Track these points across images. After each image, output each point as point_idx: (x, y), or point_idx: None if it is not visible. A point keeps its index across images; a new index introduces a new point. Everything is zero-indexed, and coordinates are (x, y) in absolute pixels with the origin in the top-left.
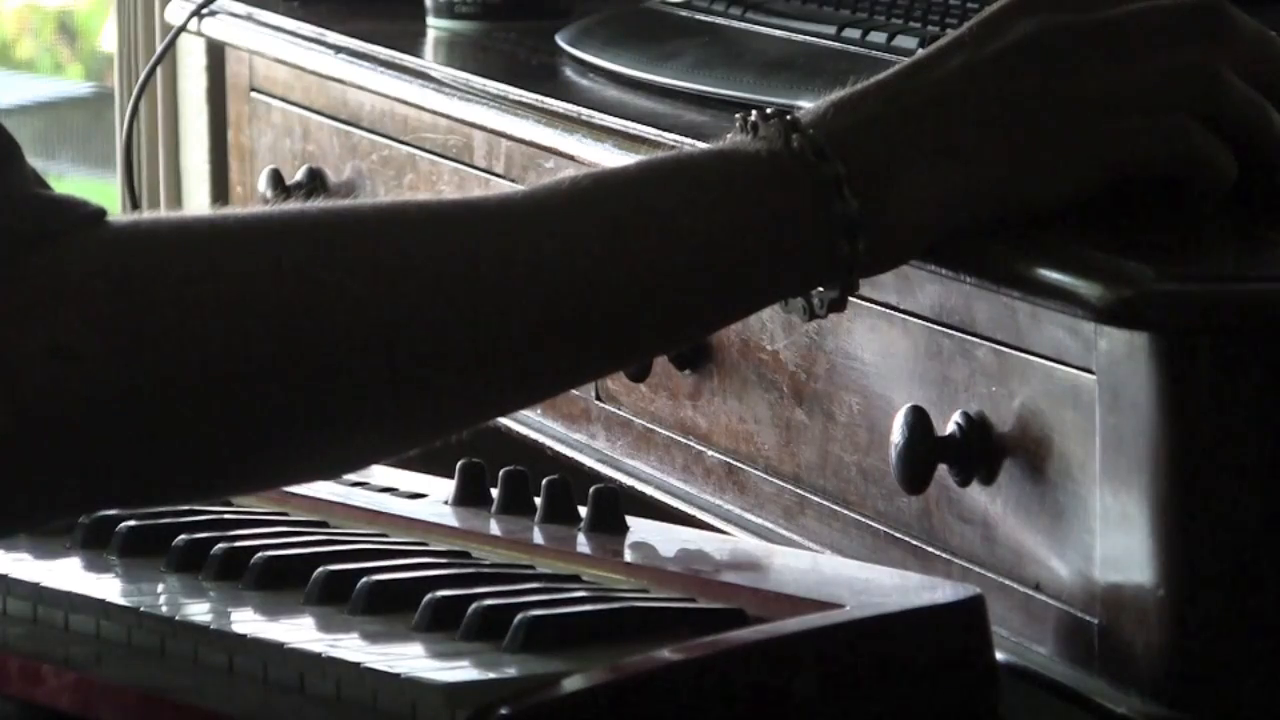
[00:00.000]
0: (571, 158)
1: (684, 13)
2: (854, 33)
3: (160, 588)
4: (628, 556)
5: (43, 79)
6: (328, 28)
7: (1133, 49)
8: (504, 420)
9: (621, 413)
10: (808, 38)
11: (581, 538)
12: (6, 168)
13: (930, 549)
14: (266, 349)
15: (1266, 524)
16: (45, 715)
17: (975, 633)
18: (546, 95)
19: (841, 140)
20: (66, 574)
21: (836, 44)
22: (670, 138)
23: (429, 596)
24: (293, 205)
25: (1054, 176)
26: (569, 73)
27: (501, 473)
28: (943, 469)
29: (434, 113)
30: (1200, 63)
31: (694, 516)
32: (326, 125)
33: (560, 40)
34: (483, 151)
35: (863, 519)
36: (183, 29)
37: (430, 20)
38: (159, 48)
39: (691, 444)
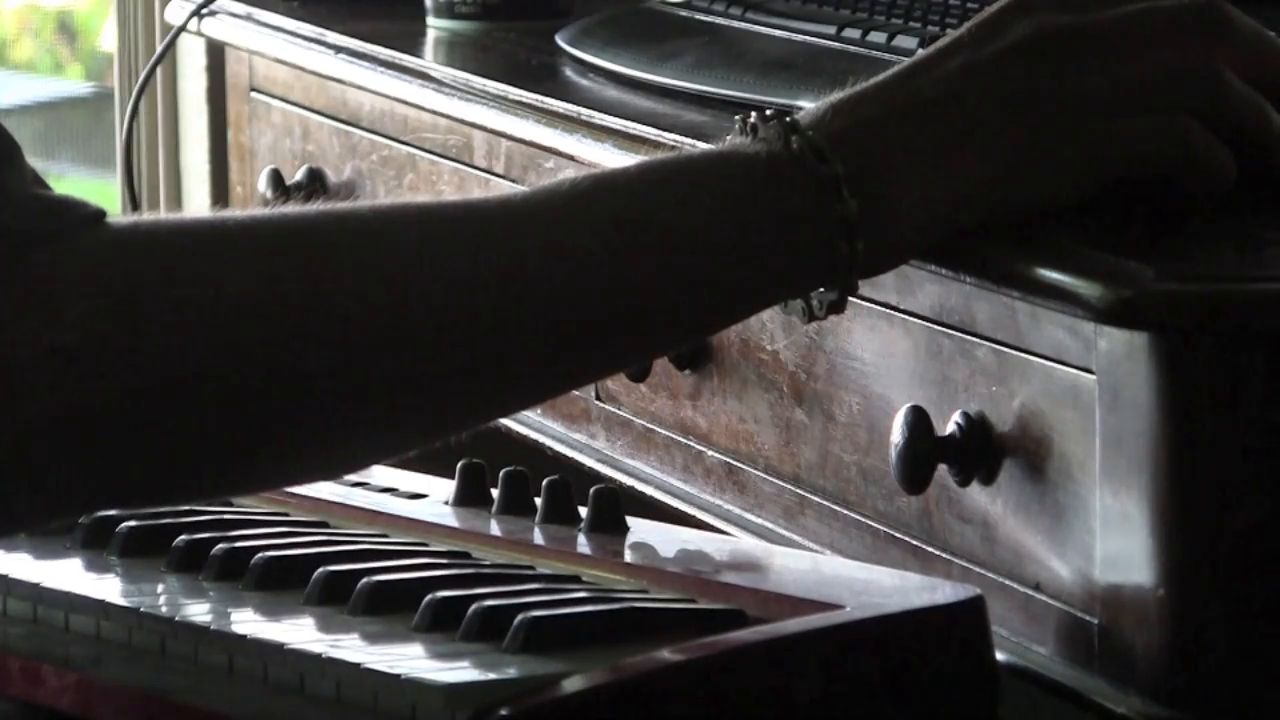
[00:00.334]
0: (571, 158)
1: (684, 13)
2: (854, 33)
3: (160, 588)
4: (628, 557)
5: (43, 79)
6: (328, 28)
7: (1132, 49)
8: (504, 420)
9: (621, 413)
10: (808, 38)
11: (582, 538)
12: (6, 168)
13: (930, 549)
14: (266, 351)
15: (1266, 524)
16: (46, 716)
17: (975, 633)
18: (546, 95)
19: (840, 142)
20: (67, 574)
21: (836, 44)
22: (670, 138)
23: (429, 597)
24: (292, 208)
25: (1053, 177)
26: (569, 73)
27: (502, 473)
28: (943, 469)
29: (434, 113)
30: (1199, 63)
31: (694, 516)
32: (326, 125)
33: (560, 40)
34: (483, 151)
35: (863, 519)
36: (183, 29)
37: (430, 20)
38: (159, 48)
39: (691, 444)
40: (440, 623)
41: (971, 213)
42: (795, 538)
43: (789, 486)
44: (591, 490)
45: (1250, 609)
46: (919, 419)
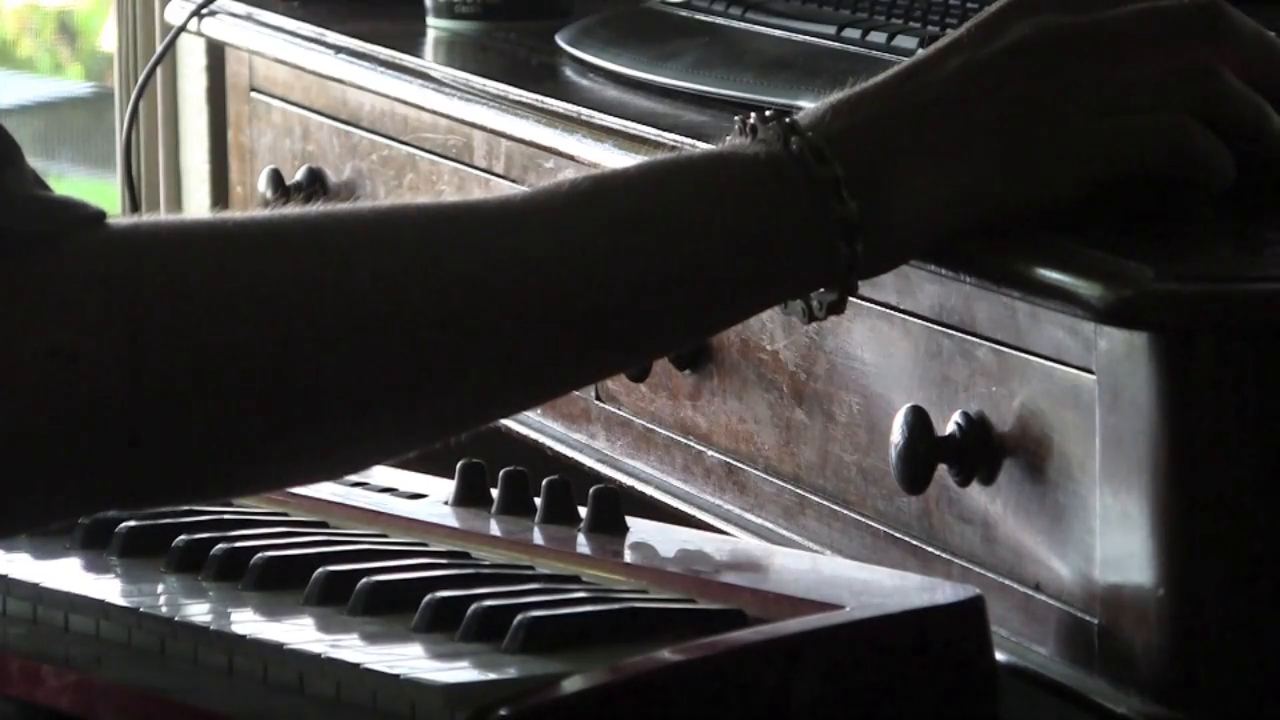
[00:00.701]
0: (571, 158)
1: (684, 13)
2: (854, 33)
3: (160, 588)
4: (628, 557)
5: (43, 79)
6: (328, 28)
7: (1131, 49)
8: (504, 420)
9: (621, 413)
10: (808, 38)
11: (581, 538)
12: (7, 169)
13: (930, 549)
14: (266, 352)
15: (1266, 524)
16: (45, 716)
17: (975, 633)
18: (546, 95)
19: (840, 142)
20: (66, 574)
21: (836, 44)
22: (670, 138)
23: (429, 597)
24: (292, 209)
25: (1052, 177)
26: (569, 73)
27: (501, 473)
28: (943, 469)
29: (434, 113)
30: (1199, 63)
31: (694, 516)
32: (326, 125)
33: (560, 40)
34: (483, 151)
35: (863, 519)
36: (183, 29)
37: (430, 20)
38: (159, 48)
39: (691, 444)
40: (440, 623)
41: (972, 213)
42: (795, 538)
43: (789, 486)
44: (591, 490)
45: (1250, 609)
46: (919, 419)
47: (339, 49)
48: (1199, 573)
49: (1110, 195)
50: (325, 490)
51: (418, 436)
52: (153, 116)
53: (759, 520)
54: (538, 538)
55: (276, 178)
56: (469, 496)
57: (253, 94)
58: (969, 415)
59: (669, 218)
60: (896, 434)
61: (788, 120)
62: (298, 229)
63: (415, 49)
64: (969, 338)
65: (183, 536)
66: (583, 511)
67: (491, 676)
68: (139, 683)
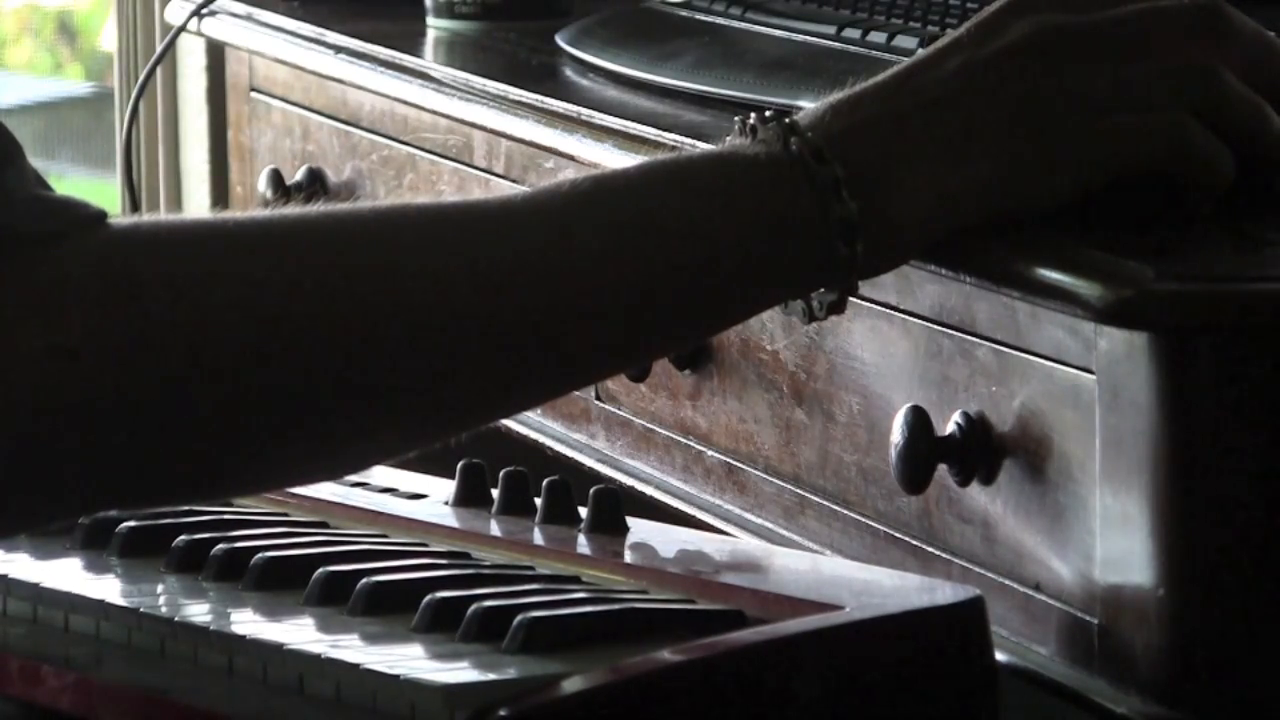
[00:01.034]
0: (571, 158)
1: (684, 13)
2: (854, 33)
3: (160, 588)
4: (628, 557)
5: (43, 79)
6: (328, 28)
7: (1130, 49)
8: (504, 420)
9: (621, 413)
10: (808, 38)
11: (582, 539)
12: (7, 168)
13: (930, 549)
14: (266, 351)
15: (1266, 524)
16: (45, 716)
17: (975, 634)
18: (546, 95)
19: (839, 143)
20: (66, 574)
21: (836, 44)
22: (670, 138)
23: (429, 597)
24: (293, 208)
25: (1051, 177)
26: (569, 73)
27: (502, 474)
28: (943, 469)
29: (434, 113)
30: (1198, 63)
31: (694, 516)
32: (326, 125)
33: (560, 40)
34: (483, 151)
35: (863, 519)
36: (183, 29)
37: (430, 20)
38: (159, 48)
39: (691, 444)
40: (440, 623)
41: (971, 213)
42: (795, 538)
43: (789, 486)
44: (591, 490)
45: (1250, 609)
46: (919, 419)
47: (339, 49)
48: (1199, 573)
49: (1110, 195)
50: (325, 490)
51: (418, 436)
52: (153, 116)
53: (759, 520)
54: (538, 538)
55: (276, 178)
56: (469, 497)
57: (253, 94)
58: (969, 415)
59: (669, 219)
60: (896, 434)
61: (787, 120)
62: (298, 229)
63: (415, 49)
64: (969, 338)
65: (183, 536)
66: (583, 512)
67: (491, 677)
68: (139, 683)
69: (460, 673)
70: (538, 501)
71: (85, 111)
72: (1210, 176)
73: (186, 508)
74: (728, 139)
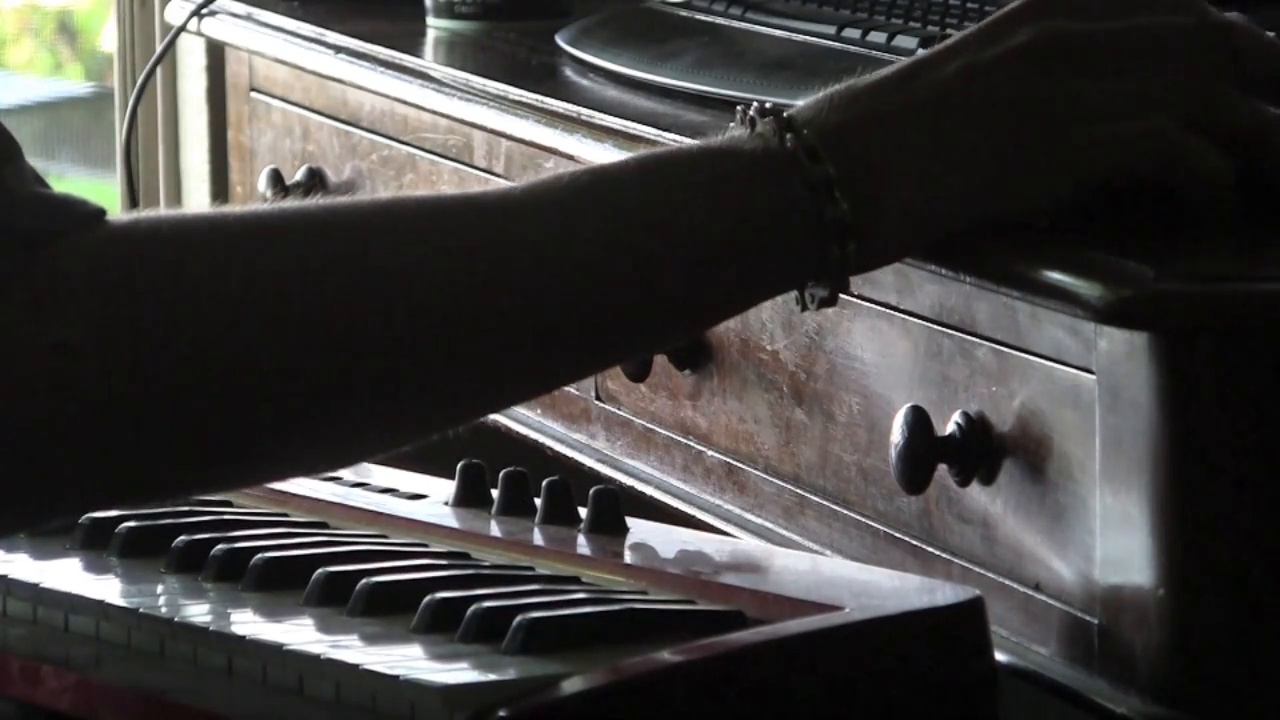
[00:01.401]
0: (571, 158)
1: (684, 13)
2: (854, 33)
3: (160, 589)
4: (627, 558)
5: (43, 79)
6: (328, 28)
7: (1130, 59)
8: (504, 420)
9: (621, 413)
10: (808, 38)
11: (581, 539)
12: (7, 167)
13: (930, 549)
14: (266, 346)
15: (1266, 524)
16: (45, 716)
17: (975, 635)
18: (546, 95)
19: (834, 140)
20: (66, 575)
21: (836, 44)
22: (670, 138)
23: (428, 598)
24: (292, 203)
25: (1039, 184)
26: (569, 73)
27: (502, 474)
28: (943, 469)
29: (434, 113)
30: (1196, 73)
31: (694, 517)
32: (326, 125)
33: (560, 40)
34: (483, 151)
35: (863, 519)
36: (183, 29)
37: (430, 20)
38: (159, 48)
39: (691, 444)
40: (439, 624)
41: (963, 216)
42: (795, 538)
43: (789, 486)
44: (591, 491)
45: (1250, 609)
46: (919, 419)
47: (339, 49)
48: (1199, 573)
49: (1110, 195)
50: (325, 490)
51: (418, 428)
52: (153, 116)
53: (759, 520)
54: (538, 538)
55: (276, 178)
56: (469, 497)
57: (253, 94)
58: (969, 415)
59: (664, 212)
60: (896, 434)
61: (785, 115)
62: (297, 224)
63: (415, 49)
64: (969, 338)
65: (183, 537)
66: (583, 512)
67: (491, 677)
68: (139, 683)
69: (460, 673)
70: (538, 502)
71: (85, 111)
72: (1205, 187)
73: (186, 508)
74: (729, 126)
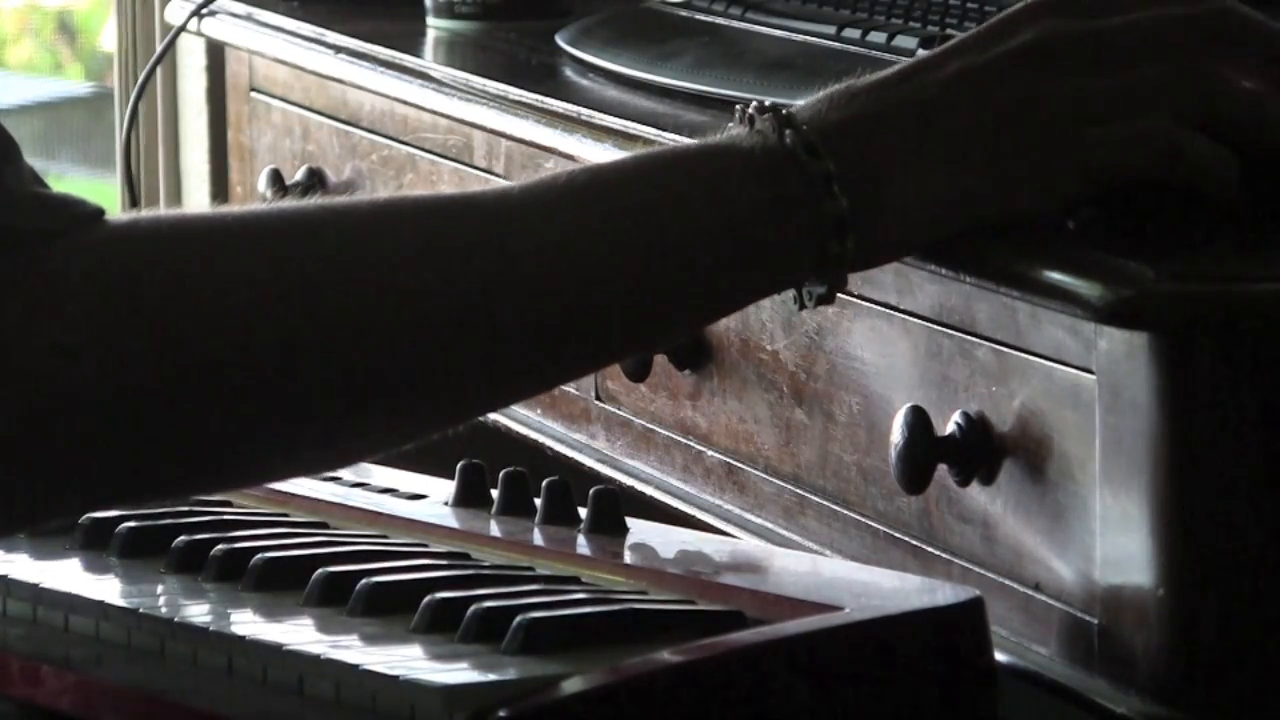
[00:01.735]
0: (571, 158)
1: (684, 13)
2: (854, 33)
3: (160, 589)
4: (627, 558)
5: (43, 79)
6: (328, 28)
7: (1130, 57)
8: (504, 420)
9: (621, 413)
10: (808, 38)
11: (581, 539)
12: (6, 167)
13: (930, 549)
14: (266, 346)
15: (1266, 524)
16: (45, 716)
17: (974, 635)
18: (546, 95)
19: (833, 138)
20: (66, 575)
21: (836, 44)
22: (670, 138)
23: (428, 598)
24: (290, 203)
25: (1038, 184)
26: (569, 73)
27: (502, 474)
28: (943, 469)
29: (434, 113)
30: (1196, 69)
31: (694, 517)
32: (326, 125)
33: (560, 40)
34: (483, 151)
35: (863, 519)
36: (183, 29)
37: (430, 20)
38: (159, 48)
39: (691, 444)
40: (439, 624)
41: (962, 216)
42: (795, 538)
43: (789, 486)
44: (591, 491)
45: (1250, 609)
46: (919, 419)
47: (339, 49)
48: (1199, 573)
49: (1110, 195)
50: (325, 490)
51: (416, 429)
52: (152, 116)
53: (759, 520)
54: (538, 539)
55: (276, 178)
56: (469, 497)
57: (253, 94)
58: (969, 415)
59: (663, 210)
60: (896, 434)
61: (784, 112)
62: (296, 224)
63: (415, 49)
64: (969, 338)
65: (183, 537)
66: (583, 512)
67: (491, 677)
68: (139, 683)
69: (460, 673)
70: (537, 502)
71: (85, 111)
72: (1207, 184)
73: (186, 508)
74: (729, 125)
